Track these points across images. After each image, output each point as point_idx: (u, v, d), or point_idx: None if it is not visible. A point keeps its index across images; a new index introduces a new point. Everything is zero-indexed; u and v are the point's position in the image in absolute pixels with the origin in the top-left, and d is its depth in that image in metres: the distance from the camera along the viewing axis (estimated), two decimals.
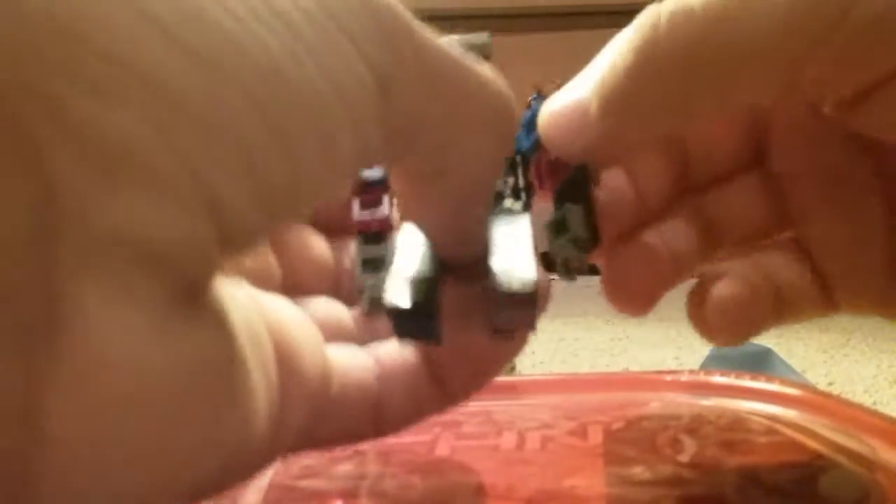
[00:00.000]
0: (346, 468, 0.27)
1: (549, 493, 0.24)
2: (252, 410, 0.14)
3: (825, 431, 0.27)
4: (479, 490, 0.25)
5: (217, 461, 0.13)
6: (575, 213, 0.21)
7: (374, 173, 0.21)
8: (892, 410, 0.28)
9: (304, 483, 0.26)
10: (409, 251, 0.19)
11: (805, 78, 0.18)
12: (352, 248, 0.22)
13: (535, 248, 0.19)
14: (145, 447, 0.11)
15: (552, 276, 0.20)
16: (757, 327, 0.22)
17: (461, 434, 0.29)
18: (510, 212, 0.21)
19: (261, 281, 0.19)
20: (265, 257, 0.20)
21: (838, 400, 0.29)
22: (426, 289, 0.18)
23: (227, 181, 0.11)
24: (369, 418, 0.19)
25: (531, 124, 0.21)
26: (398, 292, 0.18)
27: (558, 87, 0.21)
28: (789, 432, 0.27)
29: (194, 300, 0.12)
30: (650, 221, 0.23)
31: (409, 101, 0.14)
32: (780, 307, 0.22)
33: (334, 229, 0.22)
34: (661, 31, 0.18)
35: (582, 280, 0.22)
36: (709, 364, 0.73)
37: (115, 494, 0.11)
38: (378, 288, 0.19)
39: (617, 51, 0.19)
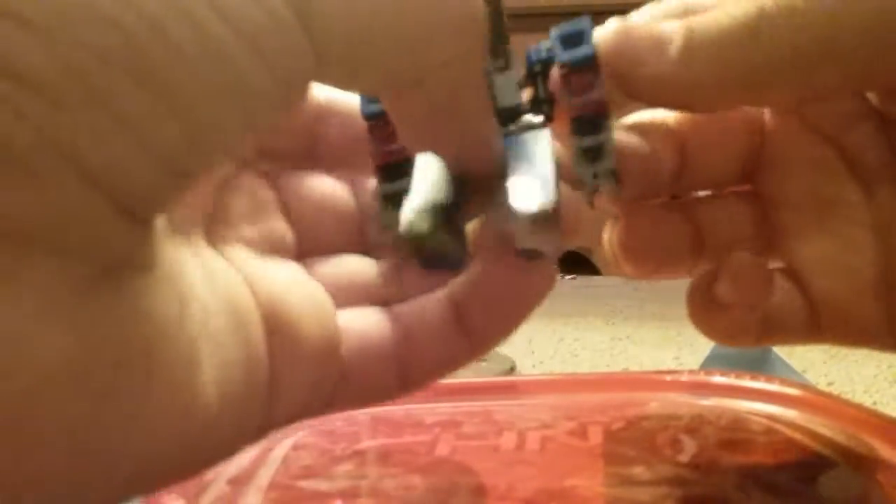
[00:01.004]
0: (346, 468, 0.27)
1: (549, 493, 0.24)
2: (188, 389, 0.13)
3: (825, 431, 0.27)
4: (479, 490, 0.25)
5: (146, 443, 0.13)
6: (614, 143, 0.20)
7: (377, 106, 0.20)
8: (892, 410, 0.28)
9: (304, 483, 0.26)
10: (426, 179, 0.18)
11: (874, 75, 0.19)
12: (373, 186, 0.21)
13: (556, 163, 0.18)
14: (30, 440, 0.11)
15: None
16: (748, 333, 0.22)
17: (461, 434, 0.29)
18: (529, 127, 0.19)
19: (270, 247, 0.18)
20: (275, 222, 0.19)
21: (838, 400, 0.29)
22: (442, 212, 0.17)
23: (97, 149, 0.10)
24: (393, 377, 0.19)
25: (572, 39, 0.20)
26: (414, 217, 0.17)
27: None
28: (789, 432, 0.27)
29: (112, 280, 0.12)
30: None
31: (343, 17, 0.13)
32: (766, 328, 0.22)
33: (359, 164, 0.21)
34: (769, 10, 0.18)
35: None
36: (709, 364, 0.72)
37: (12, 485, 0.11)
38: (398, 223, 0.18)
39: (723, 9, 0.19)
